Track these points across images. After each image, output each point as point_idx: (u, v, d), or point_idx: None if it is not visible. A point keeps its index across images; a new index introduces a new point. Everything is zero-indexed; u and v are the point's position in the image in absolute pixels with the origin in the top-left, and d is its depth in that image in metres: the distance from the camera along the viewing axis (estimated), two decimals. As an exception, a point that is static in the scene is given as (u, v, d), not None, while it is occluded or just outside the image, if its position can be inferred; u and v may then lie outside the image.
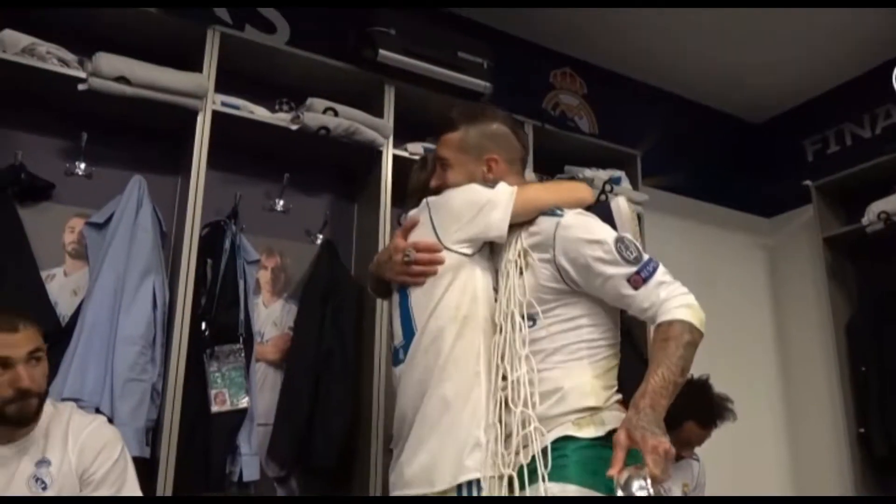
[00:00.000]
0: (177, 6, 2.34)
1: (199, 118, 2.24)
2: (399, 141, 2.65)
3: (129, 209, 2.18)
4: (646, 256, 1.44)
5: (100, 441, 1.67)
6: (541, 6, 3.16)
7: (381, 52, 2.55)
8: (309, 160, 2.63)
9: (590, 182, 3.05)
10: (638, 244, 1.47)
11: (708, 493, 2.66)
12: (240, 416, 2.18)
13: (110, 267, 2.07)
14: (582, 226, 1.47)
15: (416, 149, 2.66)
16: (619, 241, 1.44)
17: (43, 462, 1.61)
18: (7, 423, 1.56)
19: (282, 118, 2.43)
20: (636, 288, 1.40)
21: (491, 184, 1.56)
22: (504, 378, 1.42)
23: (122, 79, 2.08)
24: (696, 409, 2.40)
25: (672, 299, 1.39)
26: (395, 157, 2.60)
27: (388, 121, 2.61)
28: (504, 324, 1.45)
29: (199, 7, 2.57)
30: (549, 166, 3.14)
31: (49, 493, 1.58)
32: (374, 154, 2.58)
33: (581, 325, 1.46)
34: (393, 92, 2.64)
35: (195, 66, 2.30)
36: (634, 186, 3.24)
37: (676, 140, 3.84)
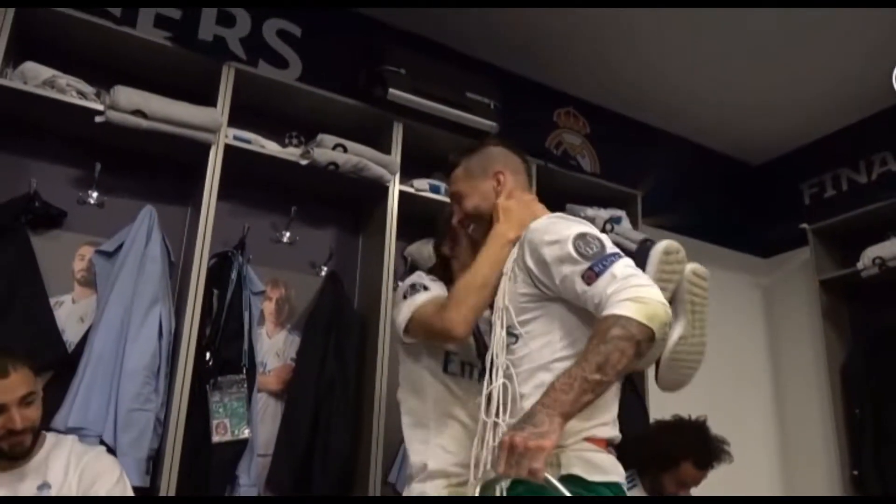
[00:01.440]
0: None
1: (212, 152, 2.29)
2: (405, 176, 2.71)
3: (138, 239, 2.22)
4: (608, 251, 1.36)
5: (100, 466, 1.75)
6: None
7: (392, 91, 2.61)
8: (316, 193, 2.68)
9: (590, 221, 3.09)
10: (605, 241, 1.39)
11: (702, 534, 2.67)
12: (240, 446, 2.20)
13: (118, 296, 2.10)
14: (545, 228, 1.45)
15: (421, 185, 2.71)
16: (580, 237, 1.37)
17: (44, 485, 1.67)
18: (2, 457, 1.64)
19: (292, 153, 2.48)
20: (589, 283, 1.32)
21: (498, 195, 1.62)
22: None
23: (138, 112, 2.13)
24: (693, 450, 2.42)
25: (619, 292, 1.27)
26: (402, 193, 2.65)
27: (396, 157, 2.66)
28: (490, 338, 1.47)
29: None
30: (552, 204, 3.17)
31: None
32: (381, 189, 2.63)
33: (554, 339, 1.40)
34: (401, 129, 2.70)
35: (209, 99, 2.36)
36: (634, 226, 3.30)
37: (676, 179, 3.90)
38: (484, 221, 1.64)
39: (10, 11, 2.08)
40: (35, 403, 1.68)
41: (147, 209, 2.28)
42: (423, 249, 2.81)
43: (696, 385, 1.48)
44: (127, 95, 2.13)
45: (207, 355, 2.21)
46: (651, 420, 2.76)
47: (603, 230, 3.08)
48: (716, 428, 2.53)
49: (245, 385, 2.26)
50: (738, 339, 3.85)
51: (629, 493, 2.44)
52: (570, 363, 1.31)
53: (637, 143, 3.81)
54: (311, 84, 2.64)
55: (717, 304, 3.64)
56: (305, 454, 2.31)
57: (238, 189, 2.48)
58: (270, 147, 2.47)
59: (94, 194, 2.31)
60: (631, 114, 3.80)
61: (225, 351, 2.25)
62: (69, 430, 1.89)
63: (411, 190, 2.68)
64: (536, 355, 1.40)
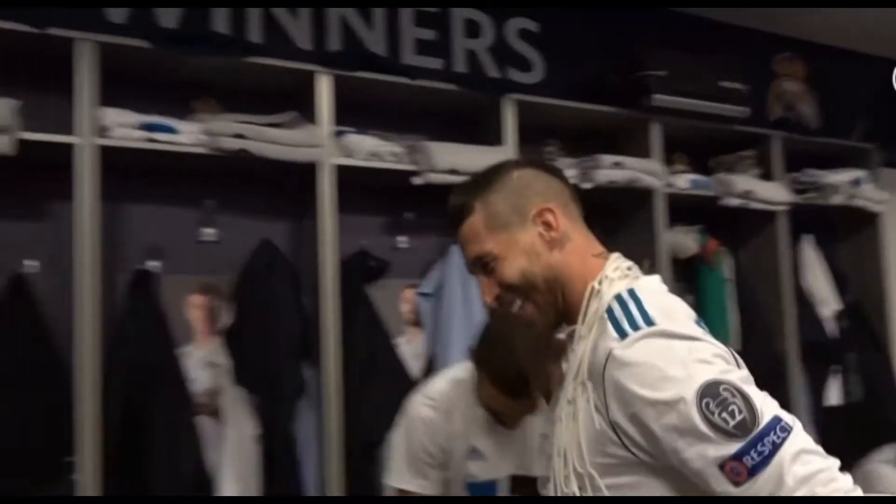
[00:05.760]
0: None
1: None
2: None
3: (454, 278, 2.39)
4: (765, 419, 0.85)
5: None
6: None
7: (655, 96, 2.63)
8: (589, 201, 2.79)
9: (833, 188, 3.08)
10: (751, 394, 0.86)
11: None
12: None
13: (456, 341, 2.32)
14: (642, 367, 0.89)
15: (684, 183, 2.78)
16: (708, 391, 0.85)
17: None
18: None
19: (574, 176, 2.57)
20: (737, 483, 0.83)
21: (558, 246, 1.03)
22: None
23: (452, 171, 2.28)
24: None
25: None
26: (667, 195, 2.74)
27: (656, 157, 2.72)
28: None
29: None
30: (786, 170, 3.19)
31: None
32: (646, 194, 2.71)
33: None
34: (660, 130, 2.74)
35: (489, 129, 2.50)
36: (874, 178, 3.27)
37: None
38: (541, 294, 1.03)
39: (330, 80, 2.21)
40: None
41: (454, 248, 2.46)
42: (681, 239, 2.90)
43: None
44: (441, 156, 2.27)
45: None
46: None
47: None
48: None
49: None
50: None
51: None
52: None
53: (860, 76, 3.62)
54: (554, 85, 2.74)
55: None
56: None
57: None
58: (552, 174, 2.57)
59: (404, 238, 2.51)
60: (852, 47, 3.60)
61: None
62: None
63: (672, 190, 2.76)
64: None
